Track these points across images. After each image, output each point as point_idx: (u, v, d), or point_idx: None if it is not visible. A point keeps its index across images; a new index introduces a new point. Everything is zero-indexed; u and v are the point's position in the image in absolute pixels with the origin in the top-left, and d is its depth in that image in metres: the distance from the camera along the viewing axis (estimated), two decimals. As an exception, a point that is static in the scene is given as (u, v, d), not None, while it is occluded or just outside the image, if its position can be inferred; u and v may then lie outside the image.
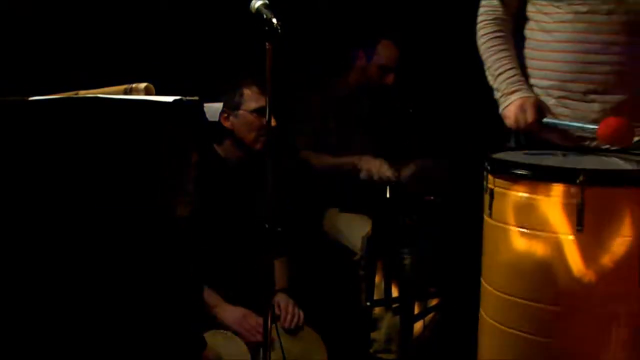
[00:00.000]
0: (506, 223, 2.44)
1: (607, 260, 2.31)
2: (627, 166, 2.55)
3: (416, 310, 3.59)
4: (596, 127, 2.68)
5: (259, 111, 3.24)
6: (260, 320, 2.73)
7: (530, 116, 2.79)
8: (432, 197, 3.47)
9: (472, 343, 3.55)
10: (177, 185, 2.14)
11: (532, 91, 2.87)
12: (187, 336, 2.34)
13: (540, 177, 2.38)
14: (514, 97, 2.84)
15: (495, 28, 2.93)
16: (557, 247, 2.33)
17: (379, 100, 3.98)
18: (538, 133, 2.85)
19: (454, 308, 3.66)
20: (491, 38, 2.93)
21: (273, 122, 3.32)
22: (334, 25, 4.16)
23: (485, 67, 2.94)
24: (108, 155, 2.04)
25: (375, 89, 3.93)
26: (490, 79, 2.93)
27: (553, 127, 2.83)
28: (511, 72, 2.87)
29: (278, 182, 2.97)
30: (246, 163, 3.32)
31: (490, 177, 2.52)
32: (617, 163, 2.60)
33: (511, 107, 2.84)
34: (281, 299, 3.27)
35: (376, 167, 3.63)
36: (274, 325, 3.04)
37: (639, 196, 2.32)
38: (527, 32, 2.94)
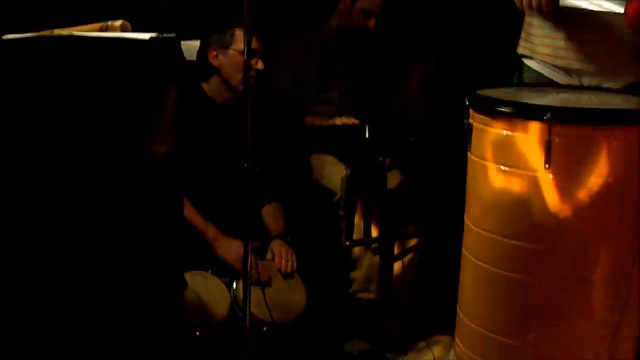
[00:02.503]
0: (484, 159, 2.45)
1: (577, 198, 2.31)
2: (624, 106, 2.54)
3: (396, 251, 3.62)
4: (622, 10, 2.56)
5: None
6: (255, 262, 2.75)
7: None
8: (411, 138, 3.47)
9: (451, 283, 3.60)
10: (155, 124, 2.13)
11: None
12: (169, 276, 2.35)
13: (514, 114, 2.37)
14: None
15: None
16: (531, 185, 2.34)
17: (361, 45, 3.94)
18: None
19: (433, 248, 3.69)
20: None
21: (260, 65, 3.33)
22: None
23: None
24: (84, 93, 2.03)
25: (357, 33, 3.90)
26: None
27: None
28: None
29: (261, 124, 2.97)
30: (233, 104, 3.31)
31: (471, 112, 2.52)
32: (610, 101, 2.60)
33: None
34: (275, 245, 3.29)
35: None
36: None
37: (608, 134, 2.30)
38: None
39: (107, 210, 2.12)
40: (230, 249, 3.17)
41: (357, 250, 3.58)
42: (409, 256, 3.65)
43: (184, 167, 2.33)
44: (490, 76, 3.08)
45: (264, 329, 2.97)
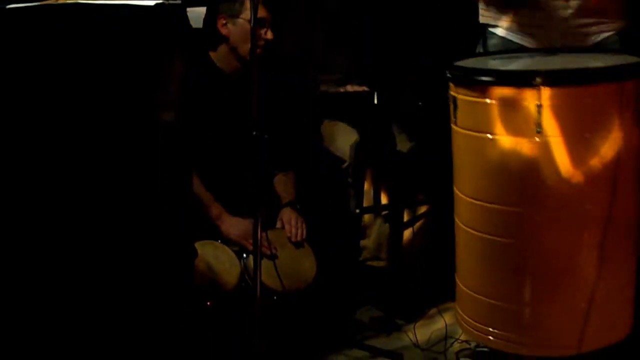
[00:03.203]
0: (470, 129, 2.46)
1: (566, 161, 2.33)
2: (595, 64, 2.54)
3: (405, 218, 3.60)
4: None
5: (259, 22, 3.18)
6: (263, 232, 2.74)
7: None
8: (420, 103, 3.44)
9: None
10: (161, 91, 2.12)
11: None
12: (179, 245, 2.35)
13: (499, 82, 2.38)
14: None
15: None
16: (520, 151, 2.35)
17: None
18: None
19: (443, 215, 3.67)
20: None
21: (269, 35, 3.29)
22: None
23: None
24: (89, 61, 2.01)
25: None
26: None
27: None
28: None
29: (270, 93, 2.94)
30: (242, 74, 3.27)
31: (452, 85, 2.51)
32: (586, 61, 2.58)
33: None
34: (285, 213, 3.27)
35: None
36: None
37: (597, 93, 2.32)
38: None
39: (114, 180, 2.11)
40: (234, 226, 3.14)
41: (366, 217, 3.56)
42: (419, 223, 3.63)
43: (191, 134, 2.33)
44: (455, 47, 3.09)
45: (274, 297, 2.96)
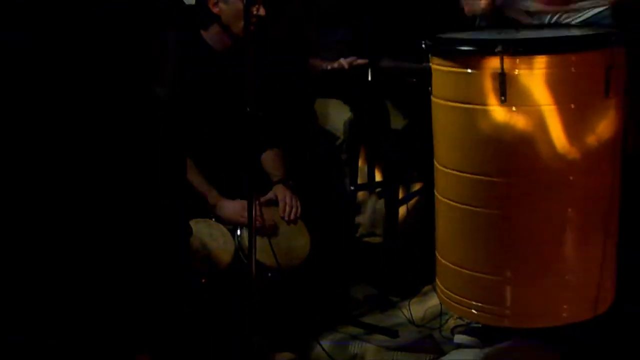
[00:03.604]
0: (444, 99, 2.48)
1: (534, 129, 2.33)
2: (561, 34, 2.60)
3: (400, 195, 3.60)
4: None
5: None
6: (258, 207, 2.73)
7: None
8: (413, 80, 3.41)
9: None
10: (154, 68, 2.11)
11: None
12: (175, 223, 2.35)
13: (467, 51, 2.40)
14: None
15: None
16: (490, 120, 2.35)
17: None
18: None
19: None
20: None
21: (262, 11, 3.26)
22: None
23: None
24: (82, 37, 2.00)
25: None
26: None
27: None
28: None
29: (263, 70, 2.92)
30: (234, 52, 3.25)
31: (430, 56, 2.54)
32: (569, 33, 2.63)
33: None
34: (279, 191, 3.25)
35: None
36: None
37: (556, 62, 2.32)
38: None
39: (109, 157, 2.11)
40: (231, 209, 3.11)
41: (361, 194, 3.55)
42: (413, 200, 3.63)
43: (184, 111, 2.33)
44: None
45: (269, 274, 2.96)
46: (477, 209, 2.44)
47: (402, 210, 3.59)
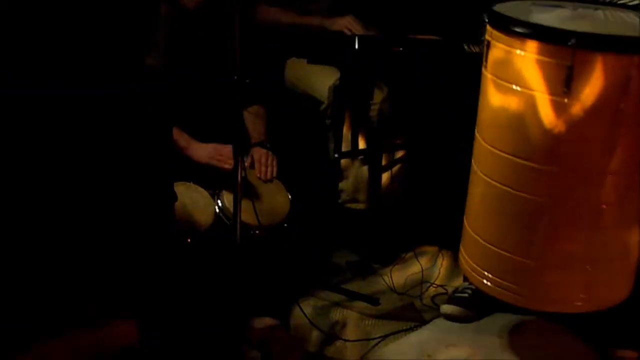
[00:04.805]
0: (497, 77, 2.43)
1: (591, 124, 2.31)
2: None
3: (383, 162, 3.59)
4: None
5: None
6: (230, 147, 2.73)
7: None
8: (400, 48, 3.40)
9: (437, 194, 3.59)
10: (145, 36, 2.12)
11: None
12: (160, 188, 2.36)
13: (534, 36, 2.32)
14: None
15: None
16: (546, 108, 2.32)
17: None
18: None
19: (420, 160, 3.67)
20: None
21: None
22: None
23: None
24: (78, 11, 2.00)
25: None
26: None
27: None
28: None
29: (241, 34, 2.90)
30: (205, 11, 3.21)
31: (488, 28, 2.47)
32: (634, 23, 2.54)
33: None
34: (255, 152, 3.26)
35: (347, 26, 3.57)
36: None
37: (627, 63, 2.26)
38: None
39: (97, 121, 2.12)
40: (203, 148, 3.13)
41: (344, 160, 3.54)
42: (397, 167, 3.62)
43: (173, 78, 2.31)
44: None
45: (251, 232, 2.96)
46: (517, 192, 2.43)
47: (386, 177, 3.58)
